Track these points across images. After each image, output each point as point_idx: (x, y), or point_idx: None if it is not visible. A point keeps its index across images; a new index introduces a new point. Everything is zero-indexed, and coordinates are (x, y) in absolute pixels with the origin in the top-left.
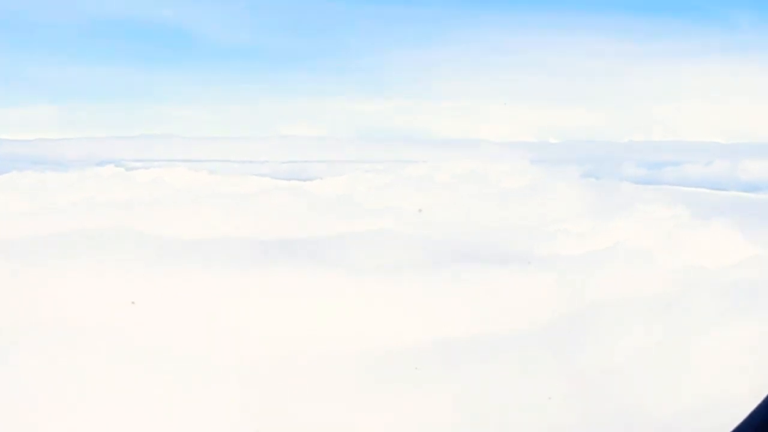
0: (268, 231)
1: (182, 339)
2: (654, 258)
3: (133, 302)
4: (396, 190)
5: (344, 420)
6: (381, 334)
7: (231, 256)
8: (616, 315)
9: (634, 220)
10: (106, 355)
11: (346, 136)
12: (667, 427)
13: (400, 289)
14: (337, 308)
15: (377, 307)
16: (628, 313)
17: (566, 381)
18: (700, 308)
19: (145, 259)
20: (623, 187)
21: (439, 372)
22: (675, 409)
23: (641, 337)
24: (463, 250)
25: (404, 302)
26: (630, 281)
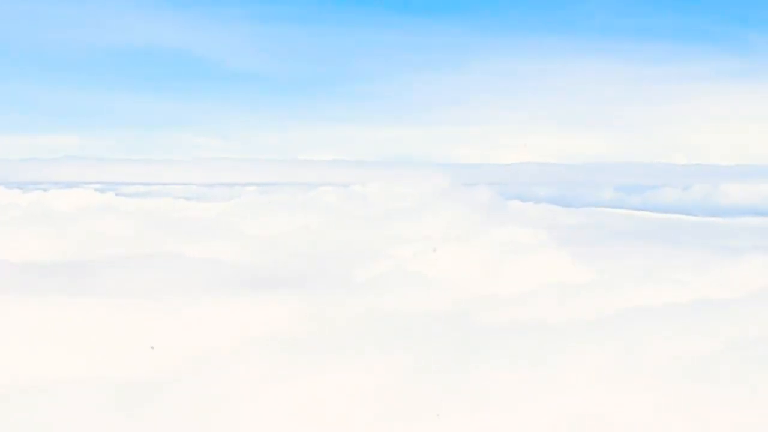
0: (56, 253)
1: None
2: (440, 285)
3: None
4: (267, 214)
5: None
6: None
7: None
8: (295, 350)
9: (474, 243)
10: None
11: (340, 160)
12: None
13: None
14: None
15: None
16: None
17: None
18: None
19: None
20: (512, 208)
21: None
22: None
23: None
24: (273, 275)
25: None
26: (371, 310)
